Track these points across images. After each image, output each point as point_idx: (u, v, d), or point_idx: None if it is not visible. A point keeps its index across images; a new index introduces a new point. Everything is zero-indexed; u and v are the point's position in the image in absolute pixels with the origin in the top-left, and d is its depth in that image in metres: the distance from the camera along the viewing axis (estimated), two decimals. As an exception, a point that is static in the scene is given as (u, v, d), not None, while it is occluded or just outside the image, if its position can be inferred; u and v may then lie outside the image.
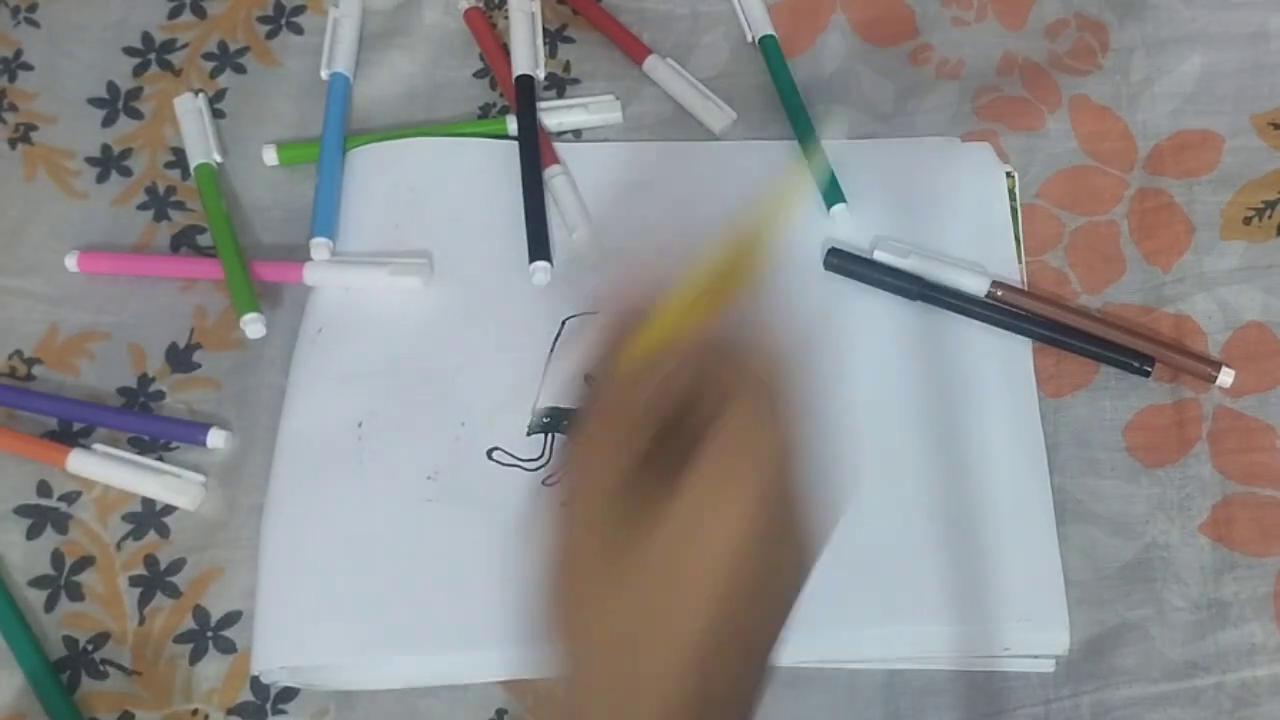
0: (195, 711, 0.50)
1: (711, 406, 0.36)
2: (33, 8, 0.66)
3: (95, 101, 0.63)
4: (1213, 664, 0.49)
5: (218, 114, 0.63)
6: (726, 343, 0.38)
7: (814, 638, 0.49)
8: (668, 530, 0.35)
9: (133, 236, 0.60)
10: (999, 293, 0.55)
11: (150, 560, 0.52)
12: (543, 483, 0.52)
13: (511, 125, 0.61)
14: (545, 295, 0.56)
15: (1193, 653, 0.49)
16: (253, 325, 0.55)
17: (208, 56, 0.64)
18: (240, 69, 0.64)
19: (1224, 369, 0.53)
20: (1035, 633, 0.49)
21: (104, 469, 0.53)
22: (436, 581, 0.50)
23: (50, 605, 0.52)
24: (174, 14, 0.65)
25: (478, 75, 0.64)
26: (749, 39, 0.63)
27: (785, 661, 0.49)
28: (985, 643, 0.49)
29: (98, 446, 0.54)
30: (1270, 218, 0.57)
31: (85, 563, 0.52)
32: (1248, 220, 0.57)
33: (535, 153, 0.59)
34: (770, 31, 0.63)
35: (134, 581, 0.52)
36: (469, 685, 0.49)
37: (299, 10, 0.65)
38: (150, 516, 0.53)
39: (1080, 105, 0.60)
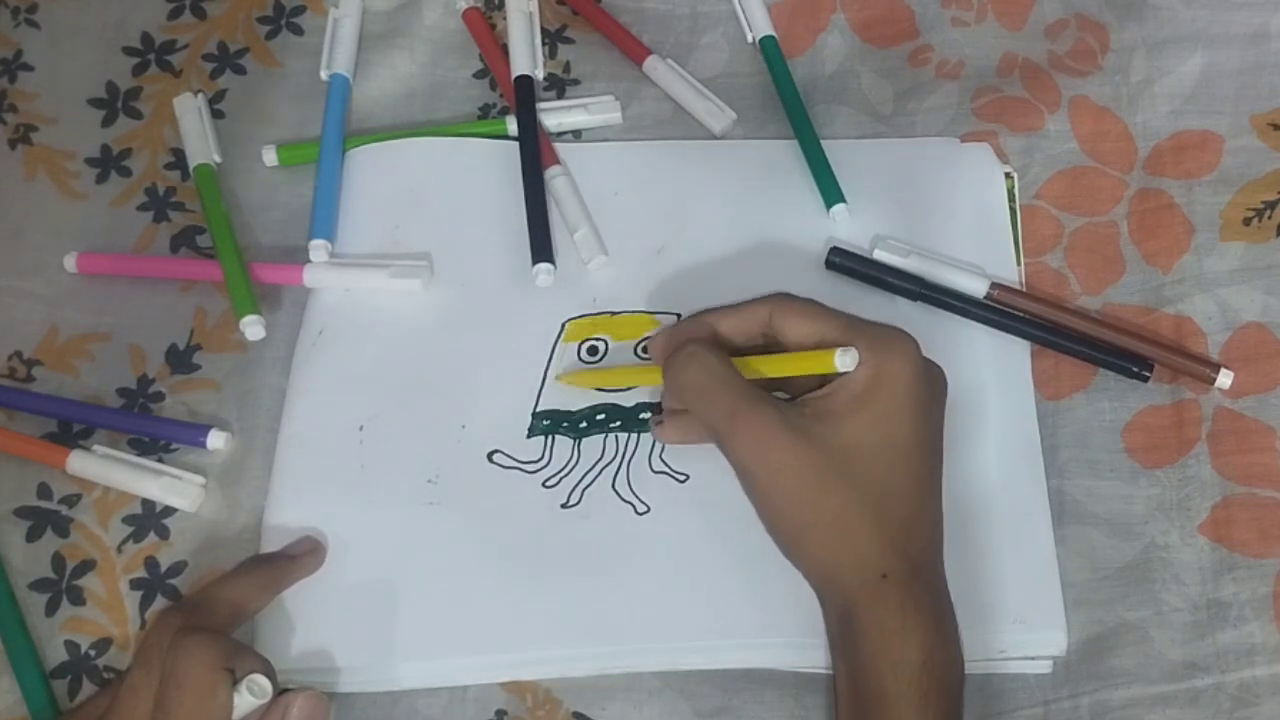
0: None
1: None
2: (33, 8, 0.66)
3: (95, 102, 0.63)
4: (1212, 664, 0.49)
5: (217, 114, 0.63)
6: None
7: (814, 639, 0.49)
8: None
9: (132, 237, 0.60)
10: (998, 294, 0.55)
11: (151, 563, 0.52)
12: (542, 484, 0.52)
13: (511, 125, 0.61)
14: (545, 296, 0.56)
15: (1192, 653, 0.49)
16: (252, 327, 0.55)
17: (207, 57, 0.64)
18: (240, 69, 0.64)
19: (1223, 370, 0.53)
20: (1031, 634, 0.49)
21: (104, 470, 0.53)
22: (437, 584, 0.50)
23: (51, 609, 0.52)
24: (174, 14, 0.65)
25: (478, 75, 0.64)
26: (749, 39, 0.63)
27: (785, 665, 0.49)
28: (982, 645, 0.48)
29: (97, 448, 0.54)
30: (1270, 218, 0.57)
31: (86, 566, 0.52)
32: (1247, 221, 0.57)
33: (536, 154, 0.59)
34: (770, 32, 0.63)
35: (135, 585, 0.52)
36: (468, 686, 0.49)
37: (299, 11, 0.65)
38: (150, 518, 0.53)
39: (1080, 106, 0.60)
